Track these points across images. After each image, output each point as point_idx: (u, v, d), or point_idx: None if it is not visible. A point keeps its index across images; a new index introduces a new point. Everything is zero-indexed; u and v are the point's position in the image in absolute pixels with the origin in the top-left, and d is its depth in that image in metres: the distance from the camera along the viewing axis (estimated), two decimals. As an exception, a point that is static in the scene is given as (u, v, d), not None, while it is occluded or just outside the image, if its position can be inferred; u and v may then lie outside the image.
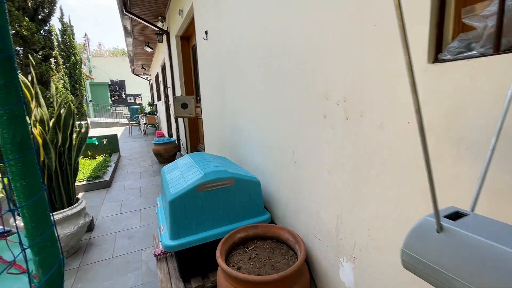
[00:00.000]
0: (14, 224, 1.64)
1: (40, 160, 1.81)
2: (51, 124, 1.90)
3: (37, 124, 1.81)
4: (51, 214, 0.78)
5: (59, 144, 1.94)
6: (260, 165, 1.87)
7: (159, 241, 1.53)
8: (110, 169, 4.40)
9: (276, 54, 1.49)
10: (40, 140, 1.76)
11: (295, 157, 1.41)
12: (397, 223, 0.86)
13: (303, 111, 1.30)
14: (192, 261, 1.49)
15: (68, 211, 1.95)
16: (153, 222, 2.63)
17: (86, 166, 4.47)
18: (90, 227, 2.45)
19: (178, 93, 5.11)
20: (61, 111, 2.01)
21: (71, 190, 2.08)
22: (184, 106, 2.47)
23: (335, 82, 1.07)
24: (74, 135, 2.15)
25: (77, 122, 7.95)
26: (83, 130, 2.21)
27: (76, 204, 2.04)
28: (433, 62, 0.72)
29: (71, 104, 1.99)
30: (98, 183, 3.73)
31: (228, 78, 2.29)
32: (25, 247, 0.70)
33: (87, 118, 13.73)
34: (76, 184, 3.63)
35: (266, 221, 1.65)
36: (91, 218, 2.42)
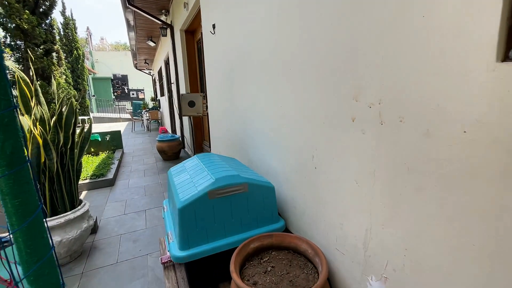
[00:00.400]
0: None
1: (40, 161, 1.71)
2: (52, 123, 1.79)
3: (37, 123, 1.70)
4: (48, 234, 0.67)
5: (60, 144, 1.84)
6: (273, 168, 1.76)
7: (168, 250, 1.44)
8: (114, 167, 4.32)
9: (296, 50, 1.36)
10: (40, 141, 1.66)
11: (315, 162, 1.30)
12: (446, 246, 0.75)
13: (327, 112, 1.18)
14: (202, 272, 1.40)
15: (70, 215, 1.86)
16: (158, 223, 2.54)
17: (89, 164, 4.40)
18: (94, 229, 2.37)
19: (182, 89, 4.99)
20: (63, 109, 1.91)
21: (74, 192, 1.98)
22: (191, 104, 2.34)
23: (368, 81, 0.94)
24: (78, 132, 2.05)
25: (80, 117, 7.97)
26: (85, 128, 2.10)
27: (79, 207, 1.95)
28: (503, 61, 0.60)
29: (74, 100, 1.88)
30: (101, 181, 3.64)
31: (238, 75, 2.17)
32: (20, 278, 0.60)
33: (90, 113, 13.68)
34: (79, 182, 3.55)
35: (280, 229, 1.54)
36: (94, 220, 2.33)
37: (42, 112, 1.72)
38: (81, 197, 3.35)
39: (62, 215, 1.82)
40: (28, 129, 1.66)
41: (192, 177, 1.58)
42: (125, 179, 4.00)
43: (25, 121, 1.68)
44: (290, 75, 1.43)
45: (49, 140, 1.71)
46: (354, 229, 1.10)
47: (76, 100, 12.29)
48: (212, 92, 2.96)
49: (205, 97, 4.16)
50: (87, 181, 3.60)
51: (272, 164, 1.78)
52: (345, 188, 1.12)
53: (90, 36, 21.30)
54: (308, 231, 1.44)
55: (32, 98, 1.71)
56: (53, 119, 1.82)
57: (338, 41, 1.07)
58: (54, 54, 4.46)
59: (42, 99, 1.77)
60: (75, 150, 1.97)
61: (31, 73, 4.62)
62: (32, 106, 1.72)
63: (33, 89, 1.70)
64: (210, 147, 4.37)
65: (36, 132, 1.64)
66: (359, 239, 1.08)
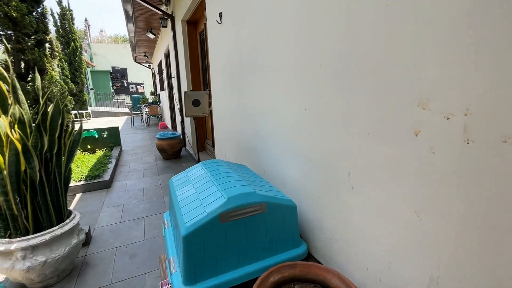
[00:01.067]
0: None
1: (20, 169, 1.46)
2: (34, 125, 1.54)
3: (16, 125, 1.45)
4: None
5: (45, 149, 1.58)
6: (292, 180, 1.52)
7: (170, 283, 1.20)
8: (111, 166, 4.07)
9: (333, 37, 1.10)
10: (19, 146, 1.40)
11: (353, 181, 1.05)
12: None
13: (374, 121, 0.92)
14: (211, 309, 1.16)
15: (57, 230, 1.61)
16: (158, 234, 2.30)
17: (85, 163, 4.15)
18: (86, 240, 2.13)
19: (184, 84, 4.71)
20: (48, 108, 1.65)
21: (62, 204, 1.74)
22: (196, 103, 2.07)
23: (445, 83, 0.69)
24: (69, 130, 1.80)
25: (78, 112, 7.72)
26: (75, 130, 1.85)
27: (68, 220, 1.71)
28: None
29: (59, 98, 1.62)
30: (97, 183, 3.40)
31: (250, 71, 1.90)
32: None
33: (88, 107, 13.37)
34: (73, 184, 3.31)
35: (302, 255, 1.30)
36: (86, 233, 2.09)
37: (21, 113, 1.46)
38: (75, 200, 3.12)
39: (47, 231, 1.58)
40: (4, 133, 1.40)
41: (198, 192, 1.34)
42: (123, 180, 3.76)
43: (1, 122, 1.42)
44: (321, 73, 1.17)
45: (30, 145, 1.46)
46: (409, 273, 0.85)
47: (74, 94, 11.97)
48: (217, 89, 2.70)
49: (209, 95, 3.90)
50: (82, 182, 3.35)
51: (290, 175, 1.53)
52: (398, 218, 0.87)
53: (89, 27, 20.82)
54: (339, 261, 1.20)
55: (9, 95, 1.45)
56: (37, 120, 1.56)
57: (396, 23, 0.81)
58: (47, 45, 4.16)
59: (22, 96, 1.50)
60: (63, 156, 1.71)
61: (22, 66, 4.34)
62: (10, 105, 1.46)
63: (9, 82, 1.43)
64: (213, 146, 4.11)
65: (14, 136, 1.39)
66: (417, 287, 0.83)
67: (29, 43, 3.83)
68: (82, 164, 4.07)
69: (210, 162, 1.69)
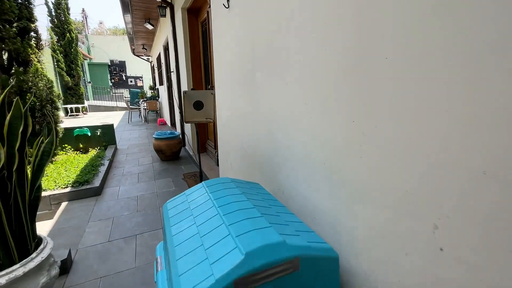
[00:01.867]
0: None
1: (-36, 195, 1.09)
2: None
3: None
4: None
5: (1, 163, 1.21)
6: (326, 214, 1.14)
7: None
8: (103, 169, 3.70)
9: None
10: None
11: (441, 239, 0.68)
12: None
13: (484, 158, 0.55)
14: None
15: (19, 269, 1.25)
16: (151, 258, 1.95)
17: (74, 164, 3.78)
18: (65, 267, 1.78)
19: (184, 79, 4.31)
20: (8, 113, 1.27)
21: (28, 233, 1.37)
22: (198, 105, 1.65)
23: None
24: (35, 143, 1.42)
25: (74, 106, 7.34)
26: (46, 139, 1.47)
27: (34, 255, 1.34)
28: None
29: (20, 100, 1.24)
30: (86, 190, 3.03)
31: (266, 66, 1.52)
32: None
33: (85, 101, 12.94)
34: (58, 192, 2.94)
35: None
36: (63, 260, 1.73)
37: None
38: (59, 211, 2.75)
39: (4, 272, 1.22)
40: None
41: (202, 234, 0.97)
42: (115, 185, 3.39)
43: None
44: (387, 70, 0.79)
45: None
46: None
47: (70, 88, 11.51)
48: (222, 86, 2.31)
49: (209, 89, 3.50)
50: (68, 189, 2.98)
51: (324, 206, 1.16)
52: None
53: (86, 18, 20.21)
54: None
55: None
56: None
57: None
58: (32, 34, 3.75)
59: (-34, 97, 1.12)
60: (27, 173, 1.34)
61: (5, 56, 3.92)
62: None
63: None
64: (215, 148, 3.74)
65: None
66: None
67: (10, 32, 3.42)
68: (71, 167, 3.70)
69: (215, 183, 1.32)
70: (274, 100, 1.47)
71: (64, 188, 3.01)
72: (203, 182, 1.35)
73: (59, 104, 3.92)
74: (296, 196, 1.36)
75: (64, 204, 2.87)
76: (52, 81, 3.78)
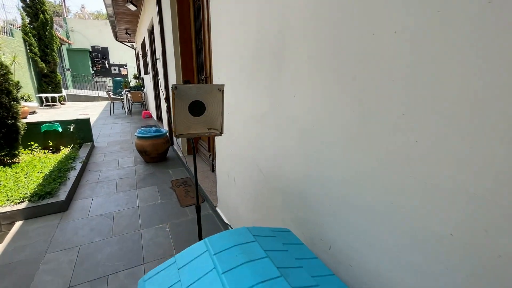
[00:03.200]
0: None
1: None
2: None
3: None
4: None
5: None
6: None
7: None
8: (74, 174, 3.07)
9: None
10: None
11: None
12: None
13: None
14: None
15: None
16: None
17: (38, 169, 3.12)
18: None
19: (172, 68, 3.68)
20: None
21: None
22: (198, 108, 1.01)
23: None
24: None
25: (50, 95, 6.52)
26: None
27: None
28: None
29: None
30: (47, 206, 2.41)
31: (303, 56, 0.97)
32: None
33: (63, 90, 11.88)
34: (10, 209, 2.31)
35: None
36: None
37: None
38: (10, 235, 2.10)
39: None
40: None
41: None
42: (87, 197, 2.78)
43: None
44: None
45: None
46: None
47: (45, 75, 10.47)
48: (226, 80, 1.75)
49: (203, 80, 2.90)
50: (24, 205, 2.35)
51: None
52: None
53: (64, 0, 18.66)
54: None
55: None
56: None
57: None
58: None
59: None
60: None
61: None
62: None
63: None
64: (210, 152, 3.17)
65: None
66: None
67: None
68: (34, 172, 3.04)
69: (227, 245, 0.78)
70: (315, 105, 0.93)
71: (19, 203, 2.38)
72: (205, 240, 0.81)
73: (18, 95, 3.21)
74: (355, 257, 0.84)
75: (18, 225, 2.25)
76: (7, 67, 3.06)
